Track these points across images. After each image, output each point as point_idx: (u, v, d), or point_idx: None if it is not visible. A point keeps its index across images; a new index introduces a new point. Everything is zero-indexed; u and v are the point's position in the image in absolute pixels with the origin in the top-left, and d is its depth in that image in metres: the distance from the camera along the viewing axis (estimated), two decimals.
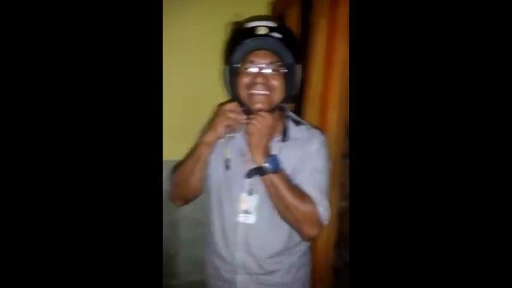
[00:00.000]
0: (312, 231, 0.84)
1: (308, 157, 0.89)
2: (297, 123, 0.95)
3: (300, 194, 0.84)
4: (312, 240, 0.99)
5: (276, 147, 0.90)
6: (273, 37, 0.80)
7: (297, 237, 0.89)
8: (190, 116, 1.71)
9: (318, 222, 0.84)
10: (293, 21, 1.31)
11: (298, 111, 1.22)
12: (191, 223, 1.65)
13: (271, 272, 0.91)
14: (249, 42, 0.82)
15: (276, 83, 0.84)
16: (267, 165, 0.81)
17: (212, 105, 1.00)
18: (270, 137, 0.85)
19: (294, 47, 0.84)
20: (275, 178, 0.81)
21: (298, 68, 0.87)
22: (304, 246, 0.96)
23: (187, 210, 1.44)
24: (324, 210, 0.85)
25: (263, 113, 0.83)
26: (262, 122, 0.82)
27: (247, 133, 0.83)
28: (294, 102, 0.98)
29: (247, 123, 0.83)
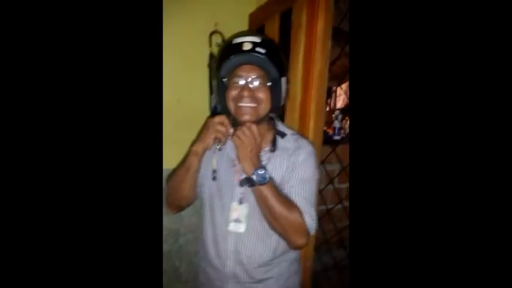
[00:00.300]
0: (299, 240, 0.86)
1: (296, 167, 0.91)
2: (284, 134, 0.98)
3: (288, 204, 0.86)
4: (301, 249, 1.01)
5: (265, 157, 0.93)
6: (257, 52, 0.84)
7: (285, 246, 0.92)
8: (183, 124, 1.76)
9: (305, 232, 0.86)
10: (272, 33, 1.36)
11: (280, 120, 1.26)
12: None
13: (261, 281, 0.93)
14: (234, 58, 0.86)
15: (262, 95, 0.88)
16: (254, 177, 0.84)
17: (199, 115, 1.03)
18: (258, 147, 0.87)
19: (278, 61, 0.88)
20: (264, 189, 0.84)
21: (283, 81, 0.90)
22: (293, 254, 0.99)
23: None
24: (310, 219, 0.87)
25: (248, 125, 0.86)
26: (246, 133, 0.85)
27: (234, 146, 0.87)
28: (278, 112, 1.00)
29: (233, 136, 0.87)
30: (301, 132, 1.17)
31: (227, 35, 1.59)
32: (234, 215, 0.92)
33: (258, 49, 0.85)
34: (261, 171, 0.84)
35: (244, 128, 0.86)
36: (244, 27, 1.63)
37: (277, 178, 0.91)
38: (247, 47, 0.85)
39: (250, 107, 0.88)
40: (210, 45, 1.56)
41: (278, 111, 0.97)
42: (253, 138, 0.85)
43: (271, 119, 0.99)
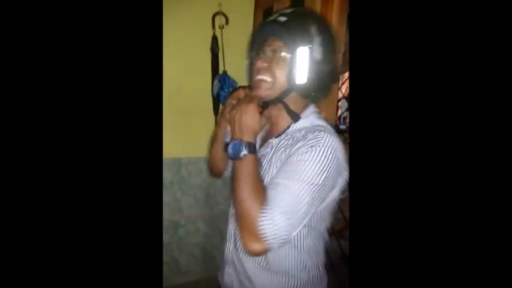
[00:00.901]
0: (248, 242, 0.71)
1: (289, 159, 0.76)
2: (298, 119, 0.84)
3: (255, 195, 0.72)
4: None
5: (269, 145, 0.85)
6: (277, 22, 0.77)
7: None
8: (187, 113, 1.73)
9: (255, 236, 0.70)
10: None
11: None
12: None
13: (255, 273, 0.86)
14: (255, 32, 0.82)
15: (276, 68, 0.79)
16: (229, 148, 0.75)
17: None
18: (252, 118, 0.78)
19: (302, 29, 0.77)
20: (236, 163, 0.75)
21: (305, 52, 0.77)
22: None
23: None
24: (268, 225, 0.69)
25: (240, 90, 0.84)
26: (235, 96, 0.83)
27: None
28: (313, 92, 0.85)
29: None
30: None
31: (232, 15, 1.51)
32: None
33: (279, 19, 0.77)
34: (236, 143, 0.74)
35: (235, 92, 0.85)
36: (250, 7, 1.54)
37: (272, 167, 0.80)
38: (270, 17, 0.79)
39: (263, 80, 0.80)
40: (213, 27, 1.48)
41: (310, 91, 0.82)
42: (243, 104, 0.78)
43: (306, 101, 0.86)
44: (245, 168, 0.74)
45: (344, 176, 0.79)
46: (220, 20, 1.48)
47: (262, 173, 0.82)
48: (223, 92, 1.52)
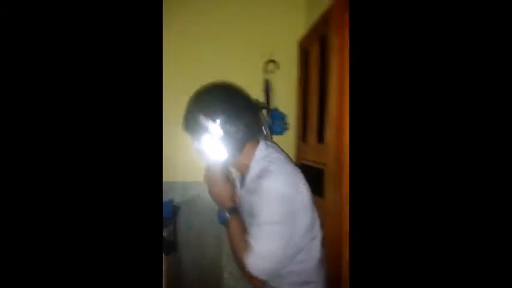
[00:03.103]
0: (253, 279, 0.90)
1: (254, 210, 0.91)
2: (250, 171, 0.99)
3: (241, 244, 0.91)
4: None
5: (239, 192, 1.06)
6: (188, 131, 0.99)
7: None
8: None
9: (252, 273, 0.88)
10: (314, 57, 1.51)
11: (321, 132, 1.38)
12: None
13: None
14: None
15: (202, 155, 1.00)
16: (216, 217, 0.99)
17: None
18: (220, 188, 0.99)
19: (196, 126, 0.95)
20: (226, 229, 0.96)
21: (210, 138, 0.94)
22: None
23: None
24: (254, 260, 0.86)
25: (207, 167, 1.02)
26: (206, 175, 1.03)
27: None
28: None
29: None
30: (338, 141, 1.24)
31: (281, 61, 1.79)
32: None
33: (186, 126, 0.99)
34: (220, 213, 0.98)
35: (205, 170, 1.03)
36: (295, 53, 1.80)
37: (244, 217, 1.00)
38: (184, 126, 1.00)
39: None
40: (265, 71, 1.78)
41: (242, 145, 0.98)
42: (213, 179, 1.00)
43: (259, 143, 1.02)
44: (231, 227, 0.95)
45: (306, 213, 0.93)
46: (270, 66, 1.78)
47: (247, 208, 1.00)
48: (277, 125, 1.73)
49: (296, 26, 1.74)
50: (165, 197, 1.75)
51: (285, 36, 1.78)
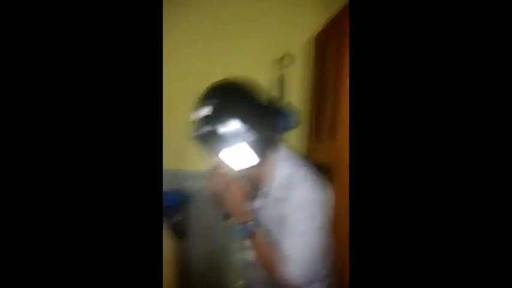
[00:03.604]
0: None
1: (285, 220, 0.86)
2: (283, 175, 0.91)
3: (272, 255, 0.86)
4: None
5: (258, 203, 0.96)
6: (202, 134, 0.86)
7: None
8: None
9: (286, 282, 0.84)
10: (331, 54, 1.49)
11: (333, 130, 1.36)
12: None
13: None
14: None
15: (219, 162, 0.90)
16: (237, 231, 0.89)
17: None
18: (241, 200, 0.89)
19: (221, 131, 0.84)
20: (251, 240, 0.89)
21: (240, 149, 0.85)
22: None
23: None
24: (292, 269, 0.83)
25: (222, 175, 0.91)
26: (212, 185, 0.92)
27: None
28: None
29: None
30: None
31: (296, 56, 1.77)
32: None
33: (199, 132, 0.86)
34: (242, 225, 0.88)
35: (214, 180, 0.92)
36: (310, 48, 1.77)
37: (270, 227, 0.91)
38: (198, 127, 0.87)
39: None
40: (281, 67, 1.76)
41: (266, 150, 0.91)
42: (232, 191, 0.88)
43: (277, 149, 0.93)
44: (259, 240, 0.88)
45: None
46: (286, 60, 1.76)
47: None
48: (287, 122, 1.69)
49: (312, 20, 1.69)
50: (177, 186, 1.79)
51: (300, 31, 1.75)
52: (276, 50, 1.75)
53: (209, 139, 0.84)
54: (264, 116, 0.89)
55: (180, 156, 1.73)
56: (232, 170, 0.89)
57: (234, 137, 0.83)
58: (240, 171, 0.89)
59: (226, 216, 0.92)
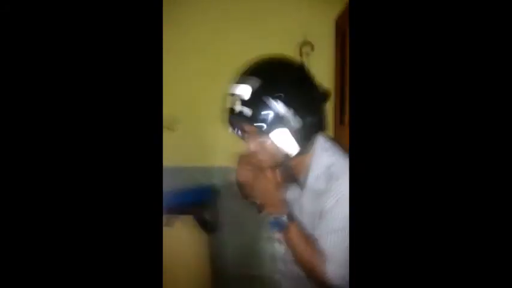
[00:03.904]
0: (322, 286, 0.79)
1: (322, 215, 0.79)
2: (317, 170, 0.83)
3: (310, 252, 0.80)
4: None
5: (292, 195, 0.88)
6: (241, 115, 0.74)
7: None
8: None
9: (327, 282, 0.78)
10: None
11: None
12: None
13: None
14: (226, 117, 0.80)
15: (264, 155, 0.80)
16: (270, 225, 0.82)
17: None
18: (276, 189, 0.82)
19: (268, 112, 0.74)
20: (285, 234, 0.82)
21: (283, 132, 0.75)
22: None
23: None
24: (333, 269, 0.77)
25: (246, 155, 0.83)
26: (244, 160, 0.84)
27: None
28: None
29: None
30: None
31: (317, 42, 1.72)
32: None
33: (241, 109, 0.74)
34: (275, 219, 0.81)
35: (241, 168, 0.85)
36: (331, 33, 1.71)
37: (305, 221, 0.84)
38: (233, 106, 0.76)
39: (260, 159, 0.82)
40: (301, 55, 1.72)
41: (307, 143, 0.81)
42: (268, 181, 0.81)
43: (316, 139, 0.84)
44: (294, 235, 0.81)
45: None
46: (306, 48, 1.71)
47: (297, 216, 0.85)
48: None
49: (331, 5, 1.62)
50: (207, 181, 1.82)
51: (320, 14, 1.69)
52: (296, 37, 1.70)
53: (245, 121, 0.75)
54: (312, 100, 0.80)
55: (210, 152, 1.75)
56: (267, 158, 0.80)
57: (275, 121, 0.74)
58: (276, 159, 0.80)
59: (261, 208, 0.85)
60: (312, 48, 1.71)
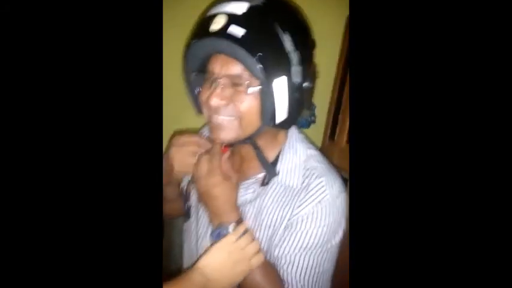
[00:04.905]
0: None
1: (294, 224, 0.58)
2: (291, 160, 0.62)
3: (270, 282, 0.57)
4: None
5: (249, 191, 0.63)
6: (230, 36, 0.51)
7: None
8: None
9: None
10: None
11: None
12: None
13: None
14: (197, 42, 0.55)
15: (241, 106, 0.56)
16: (213, 237, 0.58)
17: None
18: (223, 192, 0.58)
19: (272, 49, 0.52)
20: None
21: (283, 82, 0.53)
22: None
23: None
24: None
25: (212, 152, 0.60)
26: (203, 168, 0.58)
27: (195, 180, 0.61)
28: (288, 125, 0.61)
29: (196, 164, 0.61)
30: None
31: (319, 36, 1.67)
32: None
33: (232, 29, 0.51)
34: (219, 232, 0.57)
35: (204, 158, 0.59)
36: (340, 32, 1.67)
37: (264, 230, 0.60)
38: (217, 24, 0.52)
39: (226, 120, 0.57)
40: None
41: (292, 121, 0.60)
42: (219, 175, 0.57)
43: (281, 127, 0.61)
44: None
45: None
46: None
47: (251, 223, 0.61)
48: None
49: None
50: None
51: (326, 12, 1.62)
52: None
53: (226, 48, 0.52)
54: (311, 60, 0.59)
55: None
56: (236, 121, 0.57)
57: (273, 60, 0.52)
58: (251, 126, 0.58)
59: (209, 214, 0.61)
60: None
